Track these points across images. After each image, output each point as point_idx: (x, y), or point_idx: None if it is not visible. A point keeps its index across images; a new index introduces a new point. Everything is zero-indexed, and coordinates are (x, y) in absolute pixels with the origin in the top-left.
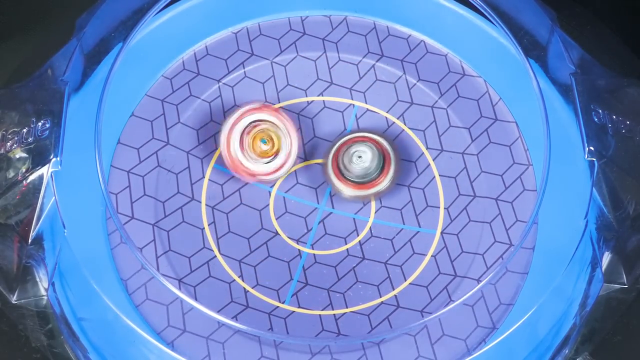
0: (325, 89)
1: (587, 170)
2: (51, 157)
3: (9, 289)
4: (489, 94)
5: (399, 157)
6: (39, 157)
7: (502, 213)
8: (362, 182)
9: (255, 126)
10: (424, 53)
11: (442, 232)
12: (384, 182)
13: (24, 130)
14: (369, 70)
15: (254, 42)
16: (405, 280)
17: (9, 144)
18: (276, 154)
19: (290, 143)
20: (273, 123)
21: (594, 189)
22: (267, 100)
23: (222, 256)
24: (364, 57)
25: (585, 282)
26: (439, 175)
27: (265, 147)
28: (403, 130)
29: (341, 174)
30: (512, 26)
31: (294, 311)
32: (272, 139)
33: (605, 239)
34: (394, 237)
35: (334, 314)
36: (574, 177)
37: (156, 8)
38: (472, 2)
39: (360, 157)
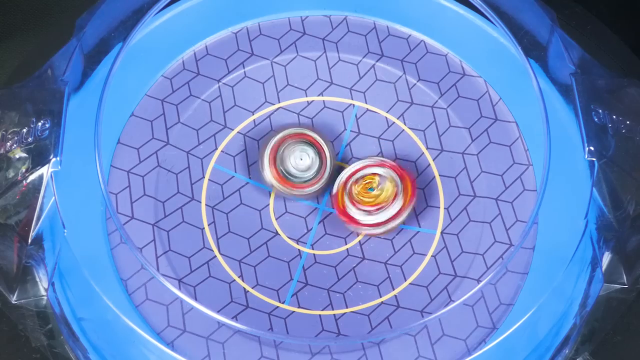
0: (325, 89)
1: (587, 170)
2: (51, 157)
3: (9, 289)
4: (489, 94)
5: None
6: (39, 157)
7: (502, 213)
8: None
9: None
10: (424, 53)
11: (442, 232)
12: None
13: (24, 130)
14: (369, 70)
15: (254, 42)
16: (405, 280)
17: (9, 144)
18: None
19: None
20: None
21: (594, 189)
22: (267, 100)
23: (222, 256)
24: (364, 57)
25: (585, 282)
26: (439, 175)
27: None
28: (403, 130)
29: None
30: (512, 26)
31: (294, 311)
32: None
33: (605, 239)
34: (394, 237)
35: (334, 314)
36: (574, 177)
37: (156, 8)
38: (472, 2)
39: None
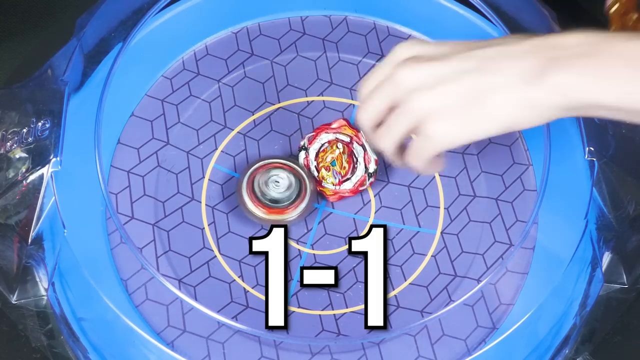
0: (325, 89)
1: (587, 170)
2: (51, 157)
3: (9, 289)
4: None
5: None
6: (39, 157)
7: (502, 213)
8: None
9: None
10: None
11: (442, 232)
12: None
13: (24, 130)
14: (369, 70)
15: (254, 42)
16: (405, 280)
17: (9, 144)
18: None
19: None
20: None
21: (594, 189)
22: (267, 100)
23: (222, 256)
24: (364, 57)
25: (585, 282)
26: (439, 175)
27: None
28: None
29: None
30: (512, 26)
31: (294, 311)
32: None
33: (605, 239)
34: (394, 237)
35: (334, 314)
36: (574, 177)
37: (156, 8)
38: (472, 2)
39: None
